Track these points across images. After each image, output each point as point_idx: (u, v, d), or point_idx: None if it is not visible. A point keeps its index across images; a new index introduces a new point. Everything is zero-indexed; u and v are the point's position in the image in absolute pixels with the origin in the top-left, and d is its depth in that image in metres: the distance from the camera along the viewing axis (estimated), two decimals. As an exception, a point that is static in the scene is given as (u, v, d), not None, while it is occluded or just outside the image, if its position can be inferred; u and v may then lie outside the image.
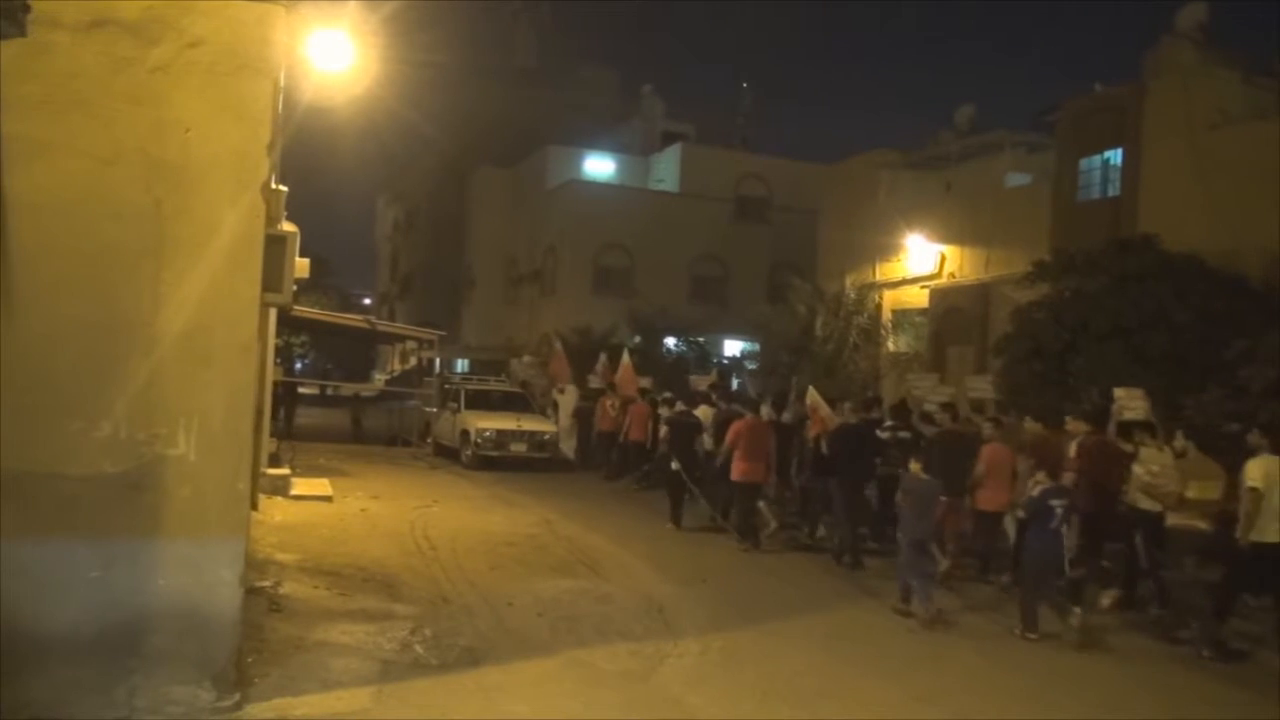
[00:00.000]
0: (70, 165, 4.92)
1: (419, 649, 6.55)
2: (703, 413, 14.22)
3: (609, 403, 18.09)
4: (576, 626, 7.47)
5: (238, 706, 5.14)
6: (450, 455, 18.81)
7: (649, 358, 26.08)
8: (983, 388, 11.82)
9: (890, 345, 23.37)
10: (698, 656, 6.94)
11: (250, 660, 5.74)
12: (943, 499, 9.12)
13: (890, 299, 23.83)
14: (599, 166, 38.94)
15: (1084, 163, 18.74)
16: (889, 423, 12.21)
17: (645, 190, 37.31)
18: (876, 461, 11.20)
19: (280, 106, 5.64)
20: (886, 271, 23.87)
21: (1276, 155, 14.49)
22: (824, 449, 11.43)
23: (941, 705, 6.27)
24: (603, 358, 21.26)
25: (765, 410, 12.66)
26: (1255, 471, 7.78)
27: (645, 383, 18.72)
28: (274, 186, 6.21)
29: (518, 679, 6.17)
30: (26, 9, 4.31)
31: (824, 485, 11.47)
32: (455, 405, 19.32)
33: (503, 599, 8.10)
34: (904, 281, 23.30)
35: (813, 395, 12.86)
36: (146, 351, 5.00)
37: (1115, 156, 18.06)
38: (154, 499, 5.00)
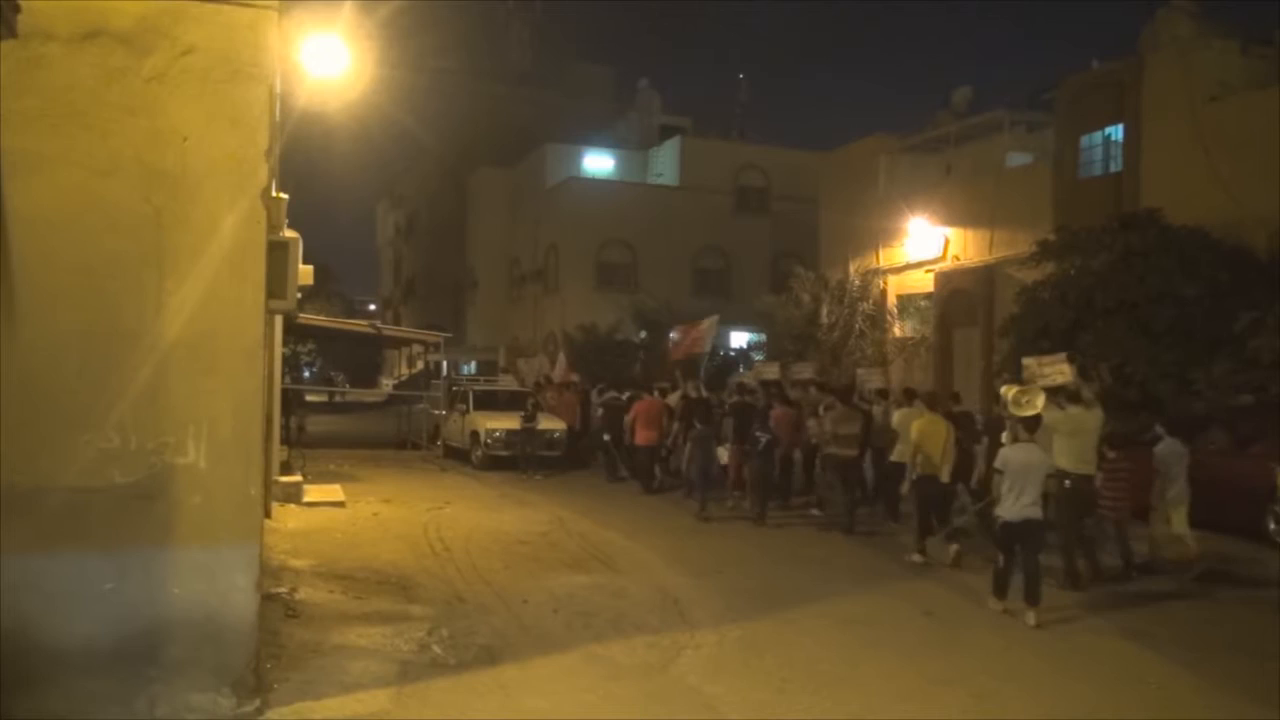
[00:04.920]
0: (68, 177, 4.92)
1: (436, 649, 6.56)
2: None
3: (549, 394, 19.95)
4: (592, 621, 7.47)
5: (258, 712, 5.15)
6: (460, 457, 18.84)
7: (654, 353, 26.07)
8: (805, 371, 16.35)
9: (896, 330, 23.33)
10: (715, 647, 6.93)
11: (269, 666, 5.75)
12: (735, 447, 13.26)
13: (895, 284, 23.77)
14: (598, 163, 38.88)
15: (1085, 140, 18.67)
16: (734, 398, 15.41)
17: (645, 185, 37.26)
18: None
19: (277, 112, 5.64)
20: (890, 257, 23.80)
21: (1278, 125, 14.41)
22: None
23: (960, 687, 6.26)
24: (541, 356, 24.93)
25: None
26: (896, 418, 11.89)
27: (574, 377, 21.36)
28: (274, 194, 6.20)
29: (536, 675, 6.17)
30: (16, 8, 4.28)
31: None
32: (464, 407, 19.35)
33: (518, 597, 8.10)
34: (908, 266, 23.24)
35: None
36: (152, 361, 5.00)
37: (1116, 132, 17.98)
38: (165, 508, 5.01)
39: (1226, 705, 6.19)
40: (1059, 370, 9.58)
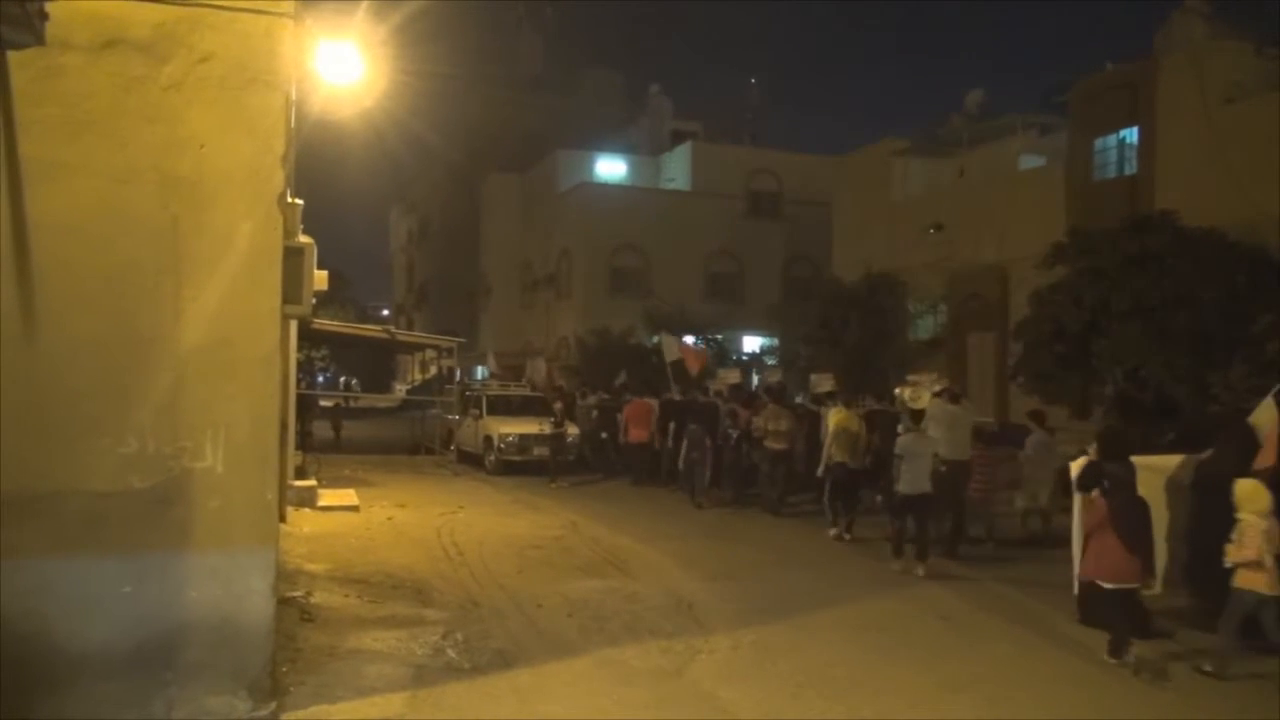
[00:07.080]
0: (86, 185, 4.95)
1: (451, 653, 6.58)
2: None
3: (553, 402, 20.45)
4: (606, 626, 7.48)
5: (274, 716, 5.17)
6: (473, 462, 18.88)
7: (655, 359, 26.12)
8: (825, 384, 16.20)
9: (910, 334, 23.26)
10: (729, 651, 6.93)
11: (284, 669, 5.78)
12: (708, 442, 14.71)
13: (908, 287, 23.69)
14: (610, 168, 38.97)
15: (1098, 142, 18.61)
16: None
17: (657, 190, 37.31)
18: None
19: (292, 119, 5.67)
20: (903, 260, 23.75)
21: (1293, 126, 14.34)
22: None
23: (973, 693, 6.23)
24: (529, 362, 26.57)
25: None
26: (830, 417, 12.72)
27: (560, 382, 22.83)
28: (289, 199, 6.24)
29: (550, 680, 6.18)
30: (45, 16, 4.30)
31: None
32: (477, 412, 19.39)
33: (532, 601, 8.11)
34: (921, 269, 23.18)
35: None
36: (170, 366, 5.03)
37: (1130, 135, 17.92)
38: (183, 512, 5.04)
39: (1242, 709, 6.14)
40: (931, 380, 12.32)
